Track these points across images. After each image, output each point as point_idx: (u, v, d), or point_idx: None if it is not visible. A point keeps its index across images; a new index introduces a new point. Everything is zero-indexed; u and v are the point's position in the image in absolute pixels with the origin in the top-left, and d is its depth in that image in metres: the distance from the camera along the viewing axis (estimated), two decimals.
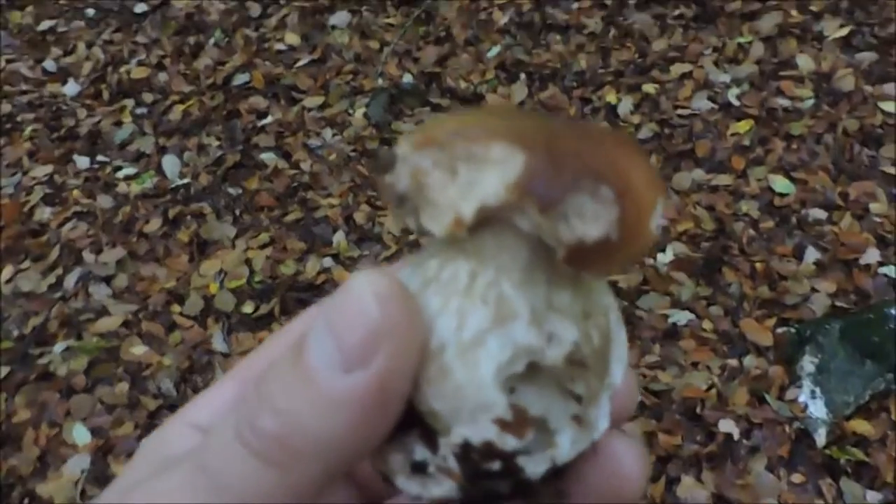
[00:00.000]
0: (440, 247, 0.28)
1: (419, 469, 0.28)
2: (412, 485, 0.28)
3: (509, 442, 0.27)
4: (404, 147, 0.27)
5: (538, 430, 0.28)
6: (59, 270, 2.10)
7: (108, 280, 2.08)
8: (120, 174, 2.36)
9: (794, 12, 2.46)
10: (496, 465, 0.27)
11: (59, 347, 1.93)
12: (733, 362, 1.84)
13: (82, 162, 2.39)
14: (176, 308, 2.04)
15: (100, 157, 2.41)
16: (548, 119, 0.29)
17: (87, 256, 2.12)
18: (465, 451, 0.27)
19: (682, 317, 1.95)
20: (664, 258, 2.05)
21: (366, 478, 0.35)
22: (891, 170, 2.14)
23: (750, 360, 1.84)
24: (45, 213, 2.24)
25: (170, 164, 2.38)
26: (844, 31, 2.39)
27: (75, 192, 2.29)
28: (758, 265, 2.01)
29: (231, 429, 0.25)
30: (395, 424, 0.26)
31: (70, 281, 2.08)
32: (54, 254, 2.14)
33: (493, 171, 0.25)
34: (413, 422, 0.27)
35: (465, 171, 0.26)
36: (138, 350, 1.96)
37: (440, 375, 0.26)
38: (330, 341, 0.24)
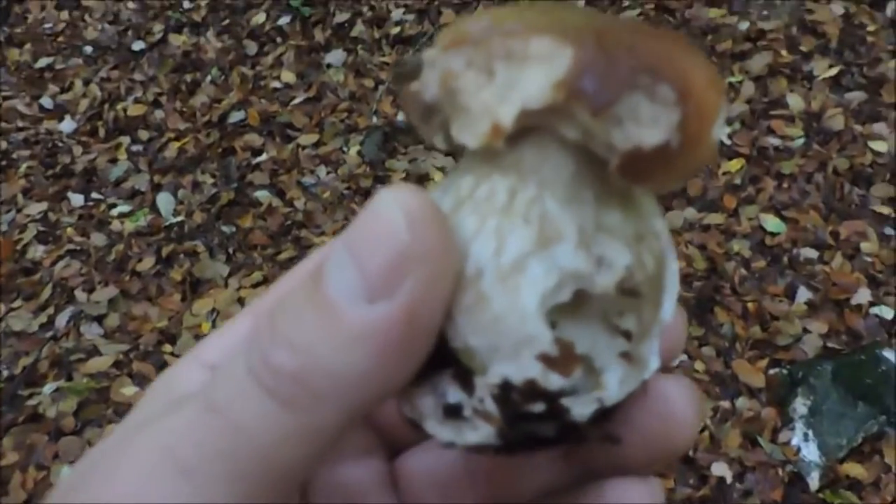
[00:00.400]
0: (474, 162, 0.25)
1: (453, 413, 0.25)
2: (445, 430, 0.25)
3: (554, 380, 0.24)
4: (433, 51, 0.24)
5: (584, 369, 0.25)
6: (51, 309, 2.10)
7: (99, 319, 2.08)
8: (114, 212, 2.37)
9: (783, 52, 2.48)
10: (539, 407, 0.24)
11: (48, 388, 1.92)
12: (726, 404, 1.83)
13: (77, 199, 2.40)
14: (167, 348, 2.04)
15: (94, 195, 2.42)
16: (594, 14, 0.25)
17: (80, 295, 2.12)
18: (505, 392, 0.24)
19: None
20: None
21: (387, 421, 0.32)
22: (881, 209, 2.15)
23: (742, 402, 1.83)
24: (38, 251, 2.25)
25: (164, 201, 2.39)
26: (833, 71, 2.41)
27: (69, 230, 2.30)
28: (750, 305, 2.01)
29: (243, 364, 0.23)
30: (423, 362, 0.23)
31: (62, 320, 2.07)
32: (46, 292, 2.13)
33: (536, 69, 0.22)
34: (445, 360, 0.25)
35: (502, 71, 0.23)
36: (129, 391, 1.95)
37: (477, 305, 0.24)
38: (351, 267, 0.22)
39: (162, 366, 2.01)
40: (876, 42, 2.44)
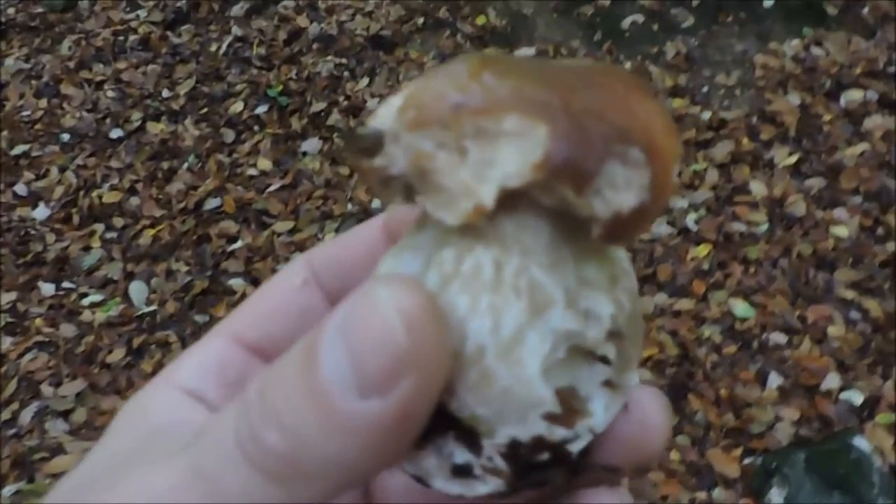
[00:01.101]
0: (447, 234, 0.25)
1: (462, 472, 0.26)
2: (454, 486, 0.26)
3: (559, 433, 0.25)
4: (391, 123, 0.24)
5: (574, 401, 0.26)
6: (16, 405, 2.06)
7: (65, 415, 2.04)
8: (85, 301, 2.35)
9: (745, 140, 2.57)
10: (545, 456, 0.25)
11: (8, 490, 1.86)
12: (702, 495, 1.82)
13: (47, 289, 2.38)
14: None
15: (66, 284, 2.40)
16: (546, 67, 0.25)
17: (46, 389, 2.08)
18: (514, 449, 0.25)
19: None
20: None
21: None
22: (846, 293, 2.19)
23: (719, 493, 1.82)
24: (5, 342, 2.21)
25: (137, 290, 2.38)
26: (793, 159, 2.49)
27: (38, 321, 2.27)
28: (722, 392, 2.03)
29: (231, 434, 0.23)
30: (417, 437, 0.24)
31: (26, 416, 2.03)
32: (11, 387, 2.09)
33: (511, 147, 0.22)
34: (444, 423, 0.25)
35: (475, 150, 0.23)
36: None
37: (483, 381, 0.24)
38: (346, 360, 0.22)
39: None
40: (832, 131, 2.53)
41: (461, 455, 0.26)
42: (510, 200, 0.24)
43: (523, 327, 0.24)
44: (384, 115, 0.24)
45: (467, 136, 0.22)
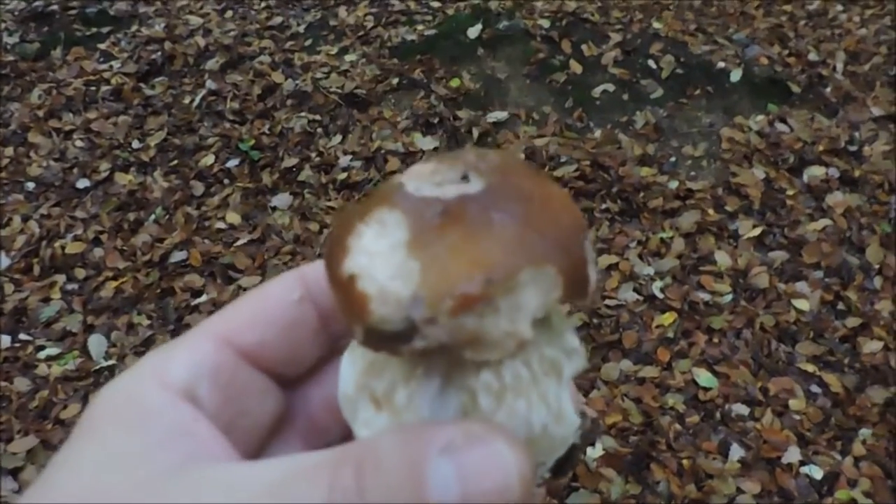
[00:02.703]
0: (459, 365, 0.29)
1: None
2: None
3: (578, 434, 0.32)
4: (419, 310, 0.26)
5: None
6: None
7: (14, 473, 1.97)
8: (42, 354, 2.29)
9: (710, 211, 2.62)
10: (570, 452, 0.32)
11: None
12: None
13: (3, 341, 2.32)
14: None
15: (22, 336, 2.35)
16: (510, 189, 0.29)
17: None
18: (558, 463, 0.32)
19: None
20: (593, 453, 2.05)
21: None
22: (806, 366, 2.22)
23: None
24: None
25: (96, 343, 2.33)
26: (757, 231, 2.54)
27: None
28: (685, 462, 2.02)
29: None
30: None
31: None
32: None
33: (531, 291, 0.27)
34: None
35: (505, 305, 0.27)
36: None
37: (549, 445, 0.31)
38: (456, 491, 0.25)
39: None
40: (795, 206, 2.60)
41: None
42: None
43: (559, 395, 0.31)
44: (392, 298, 0.26)
45: (498, 299, 0.27)
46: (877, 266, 2.43)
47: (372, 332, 0.27)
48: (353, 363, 0.31)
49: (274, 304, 0.34)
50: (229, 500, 0.25)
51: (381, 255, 0.27)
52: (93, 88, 3.18)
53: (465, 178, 0.29)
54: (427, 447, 0.25)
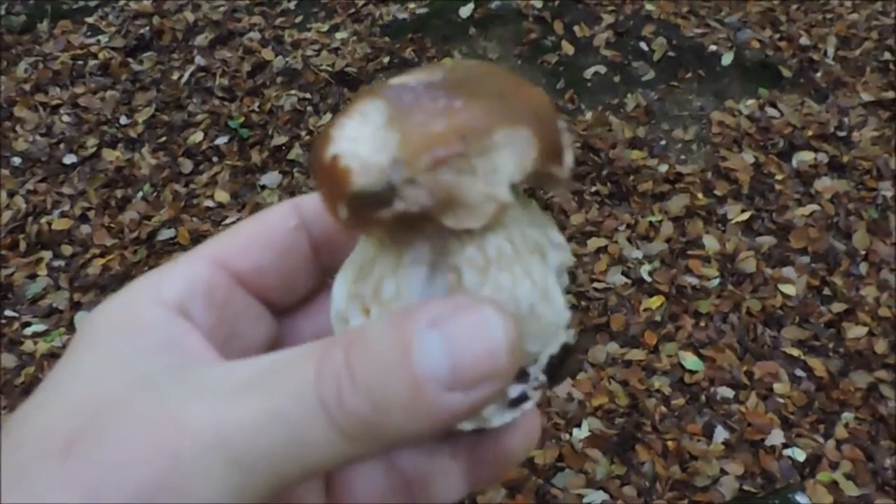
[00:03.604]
0: (447, 240, 0.30)
1: (517, 401, 0.31)
2: (508, 415, 0.31)
3: (571, 334, 0.32)
4: (398, 170, 0.27)
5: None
6: None
7: None
8: (28, 331, 2.28)
9: (700, 195, 2.63)
10: (563, 355, 0.32)
11: None
12: None
13: None
14: None
15: (8, 312, 2.33)
16: (475, 79, 0.30)
17: None
18: (551, 362, 0.31)
19: (596, 497, 1.94)
20: (580, 434, 2.07)
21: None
22: (791, 350, 2.24)
23: None
24: None
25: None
26: (746, 216, 2.55)
27: None
28: (670, 444, 2.04)
29: (312, 388, 0.25)
30: None
31: None
32: None
33: (506, 152, 0.27)
34: None
35: (481, 166, 0.27)
36: None
37: (536, 326, 0.30)
38: (445, 361, 0.25)
39: None
40: (783, 190, 2.60)
41: (514, 389, 0.31)
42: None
43: (545, 274, 0.31)
44: (374, 166, 0.27)
45: (474, 157, 0.27)
46: (863, 252, 2.44)
47: (354, 200, 0.27)
48: (343, 279, 0.32)
49: (270, 230, 0.34)
50: (220, 389, 0.26)
51: (362, 137, 0.28)
52: (80, 63, 3.14)
53: (445, 76, 0.30)
54: (415, 323, 0.26)
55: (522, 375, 0.31)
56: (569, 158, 0.31)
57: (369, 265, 0.31)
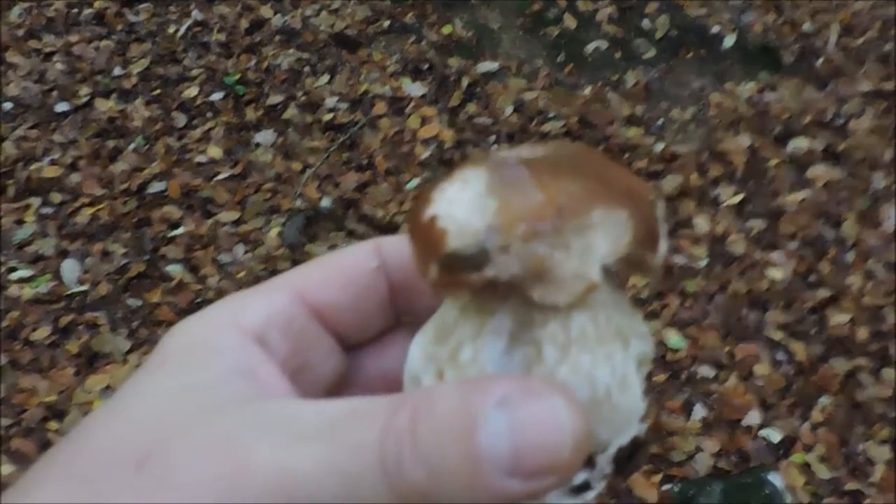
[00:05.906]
0: (530, 313, 0.30)
1: (582, 489, 0.30)
2: (567, 500, 0.31)
3: (644, 428, 0.31)
4: (493, 237, 0.28)
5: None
6: None
7: None
8: (14, 276, 2.27)
9: (693, 176, 2.63)
10: (634, 446, 0.31)
11: None
12: None
13: None
14: (53, 425, 1.94)
15: None
16: (572, 160, 0.31)
17: None
18: (620, 453, 0.30)
19: None
20: None
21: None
22: (774, 334, 2.25)
23: None
24: None
25: (69, 268, 2.31)
26: (738, 199, 2.56)
27: None
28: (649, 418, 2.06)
29: (375, 450, 0.25)
30: None
31: None
32: None
33: (601, 233, 0.28)
34: None
35: (576, 243, 0.27)
36: (5, 470, 1.83)
37: (611, 413, 0.30)
38: (508, 447, 0.25)
39: (45, 444, 1.90)
40: (777, 175, 2.61)
41: (579, 476, 0.30)
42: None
43: (625, 361, 0.30)
44: (470, 230, 0.28)
45: (568, 234, 0.27)
46: (852, 241, 2.45)
47: (446, 261, 0.28)
48: (422, 338, 0.32)
49: (351, 268, 0.35)
50: (286, 431, 0.27)
51: (461, 201, 0.28)
52: (75, 10, 3.10)
53: (548, 153, 0.30)
54: (484, 398, 0.25)
55: (589, 462, 0.30)
56: (663, 248, 0.30)
57: (450, 328, 0.31)
